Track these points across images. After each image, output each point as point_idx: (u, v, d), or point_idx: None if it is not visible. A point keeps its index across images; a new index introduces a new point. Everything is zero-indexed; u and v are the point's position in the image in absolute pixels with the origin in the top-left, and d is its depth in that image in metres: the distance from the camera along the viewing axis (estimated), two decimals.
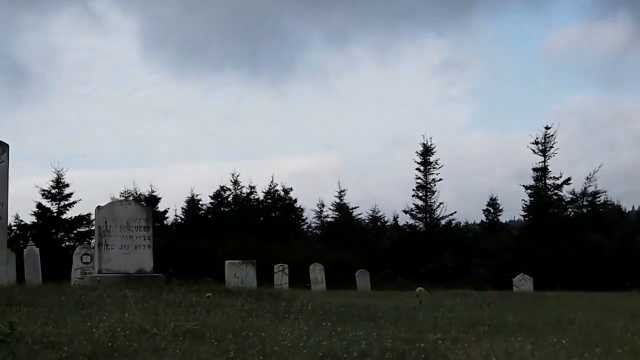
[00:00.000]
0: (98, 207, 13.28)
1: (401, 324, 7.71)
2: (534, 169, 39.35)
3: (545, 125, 39.23)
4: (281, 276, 26.16)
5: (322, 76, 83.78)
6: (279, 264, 26.16)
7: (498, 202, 42.19)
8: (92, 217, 36.43)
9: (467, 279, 33.69)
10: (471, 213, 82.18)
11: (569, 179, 39.08)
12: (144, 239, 12.98)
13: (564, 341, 5.82)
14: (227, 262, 19.50)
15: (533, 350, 5.38)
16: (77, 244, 33.12)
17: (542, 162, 39.17)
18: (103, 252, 12.66)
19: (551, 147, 38.97)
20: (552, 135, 38.87)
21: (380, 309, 10.30)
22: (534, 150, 39.21)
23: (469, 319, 8.85)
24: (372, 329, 6.99)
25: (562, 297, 15.80)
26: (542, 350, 5.38)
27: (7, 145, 10.85)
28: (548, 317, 9.93)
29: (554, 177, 39.14)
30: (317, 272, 28.61)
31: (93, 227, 36.58)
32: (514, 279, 28.22)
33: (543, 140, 38.87)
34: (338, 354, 5.21)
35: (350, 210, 42.23)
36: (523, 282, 28.06)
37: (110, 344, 5.21)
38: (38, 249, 21.83)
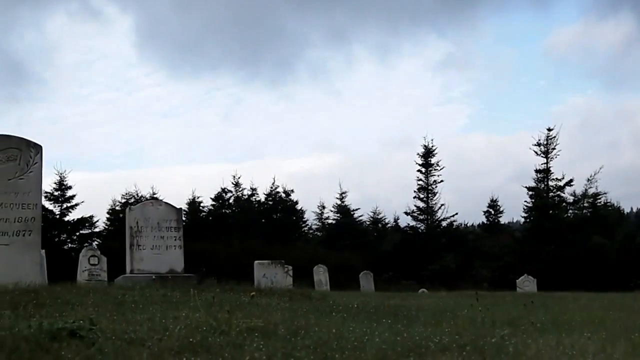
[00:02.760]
0: (129, 207, 13.37)
1: (450, 322, 7.79)
2: (537, 171, 39.64)
3: (547, 127, 39.64)
4: (285, 277, 26.23)
5: (322, 76, 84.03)
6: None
7: (499, 203, 42.49)
8: (95, 219, 36.55)
9: (469, 281, 33.89)
10: (471, 214, 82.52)
11: (571, 180, 39.42)
12: (175, 240, 13.04)
13: (632, 336, 5.94)
14: (256, 262, 19.65)
15: (605, 346, 5.47)
16: (80, 246, 33.11)
17: (544, 163, 39.47)
18: (135, 253, 12.71)
19: (553, 148, 39.30)
20: (555, 137, 39.20)
21: (411, 309, 10.38)
22: (536, 152, 39.50)
23: (506, 318, 8.95)
24: (431, 326, 7.09)
25: (580, 298, 15.95)
26: (614, 346, 5.48)
27: (40, 147, 10.83)
28: (579, 316, 10.05)
29: (556, 178, 39.45)
30: (321, 273, 28.73)
31: (96, 229, 36.83)
32: (517, 280, 28.37)
33: (545, 142, 39.18)
34: (416, 350, 5.29)
35: (352, 212, 42.34)
36: (527, 284, 28.21)
37: (190, 340, 5.27)
38: (44, 250, 21.79)
